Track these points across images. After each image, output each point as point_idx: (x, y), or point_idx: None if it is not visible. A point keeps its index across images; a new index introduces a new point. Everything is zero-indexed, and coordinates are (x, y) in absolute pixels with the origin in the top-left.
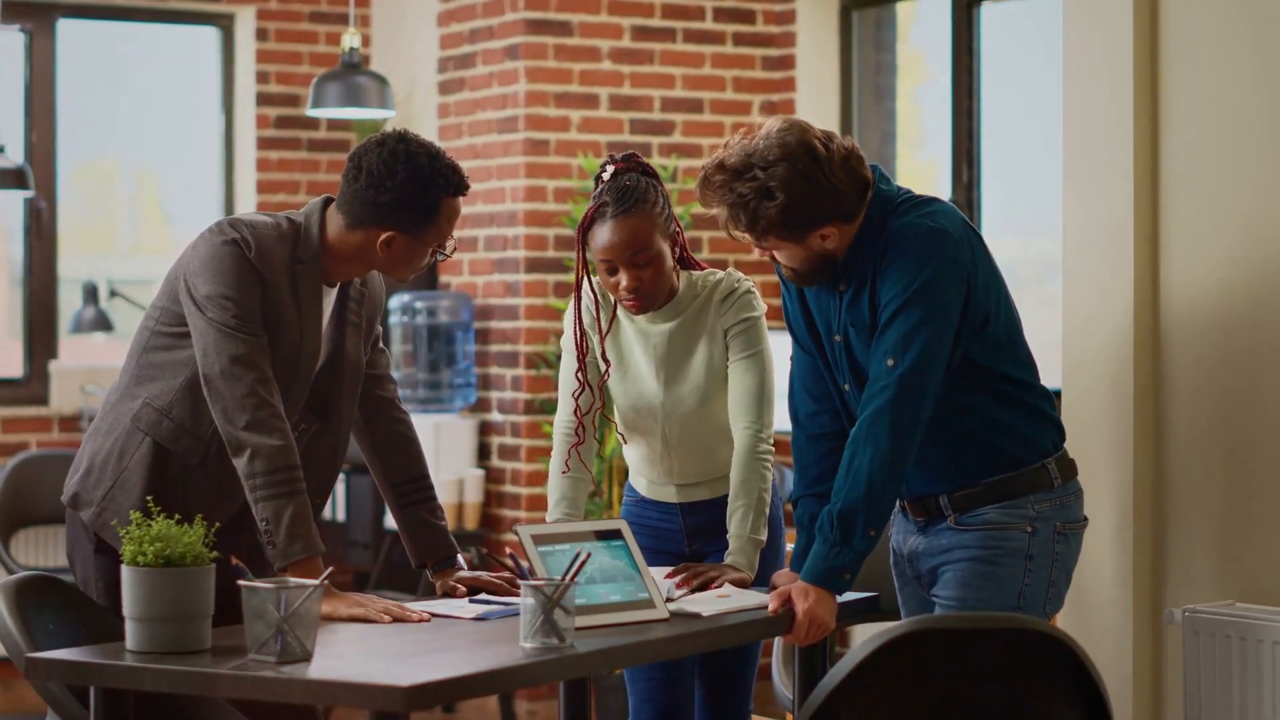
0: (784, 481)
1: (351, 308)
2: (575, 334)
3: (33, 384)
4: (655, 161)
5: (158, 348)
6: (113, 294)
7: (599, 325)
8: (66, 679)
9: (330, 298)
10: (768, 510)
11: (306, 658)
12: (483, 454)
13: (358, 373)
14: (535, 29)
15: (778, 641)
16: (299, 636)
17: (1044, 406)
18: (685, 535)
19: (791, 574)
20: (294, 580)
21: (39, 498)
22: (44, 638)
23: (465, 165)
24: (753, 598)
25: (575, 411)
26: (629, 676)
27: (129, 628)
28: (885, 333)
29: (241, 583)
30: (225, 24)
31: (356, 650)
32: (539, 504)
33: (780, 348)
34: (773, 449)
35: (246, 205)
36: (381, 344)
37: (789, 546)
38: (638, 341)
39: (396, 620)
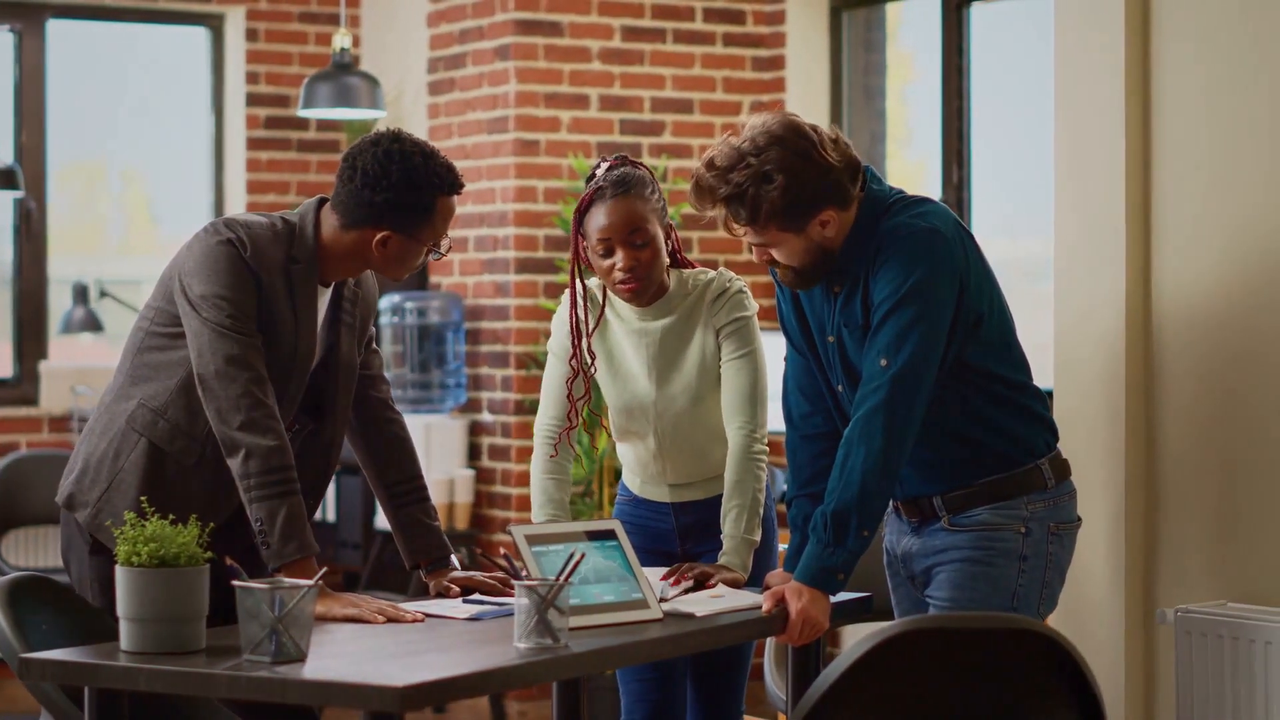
0: (775, 481)
1: (346, 308)
2: (573, 334)
3: (23, 385)
4: (646, 162)
5: (152, 348)
6: (102, 294)
7: (585, 326)
8: (61, 679)
9: (325, 298)
10: (762, 511)
11: (301, 658)
12: (473, 454)
13: (352, 373)
14: (525, 29)
15: (770, 641)
16: (293, 637)
17: (1037, 407)
18: (678, 535)
19: (785, 574)
20: (288, 580)
21: (30, 498)
22: (37, 638)
23: (455, 166)
24: (746, 598)
25: (570, 414)
26: (621, 676)
27: (123, 628)
28: (878, 333)
29: (236, 583)
30: (215, 24)
31: (351, 650)
32: (530, 504)
33: (774, 348)
34: (767, 449)
35: (236, 206)
36: (375, 344)
37: (781, 547)
38: (629, 341)
39: (390, 620)
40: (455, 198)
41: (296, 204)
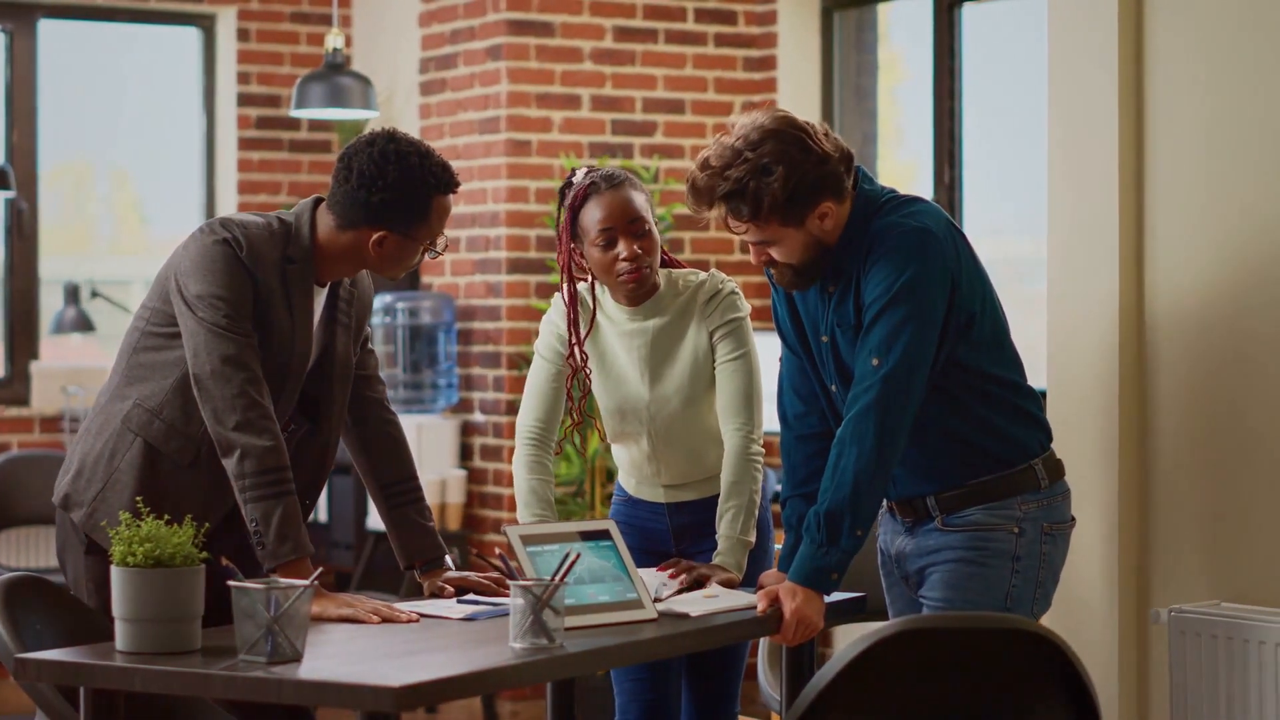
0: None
1: (341, 308)
2: (572, 333)
3: (14, 385)
4: (637, 162)
5: (148, 348)
6: (94, 294)
7: (577, 330)
8: (57, 679)
9: (320, 298)
10: (758, 512)
11: (297, 658)
12: (465, 454)
13: (348, 373)
14: (517, 30)
15: (764, 642)
16: (289, 637)
17: (1031, 407)
18: (672, 535)
19: (779, 574)
20: (284, 580)
21: (22, 498)
22: (31, 638)
23: (451, 165)
24: (741, 598)
25: (574, 412)
26: (616, 676)
27: (119, 628)
28: (869, 333)
29: (231, 583)
30: (206, 24)
31: (346, 651)
32: None
33: (767, 348)
34: (764, 450)
35: (227, 206)
36: (370, 344)
37: (776, 547)
38: (620, 343)
39: (385, 621)
40: (451, 196)
41: (288, 204)
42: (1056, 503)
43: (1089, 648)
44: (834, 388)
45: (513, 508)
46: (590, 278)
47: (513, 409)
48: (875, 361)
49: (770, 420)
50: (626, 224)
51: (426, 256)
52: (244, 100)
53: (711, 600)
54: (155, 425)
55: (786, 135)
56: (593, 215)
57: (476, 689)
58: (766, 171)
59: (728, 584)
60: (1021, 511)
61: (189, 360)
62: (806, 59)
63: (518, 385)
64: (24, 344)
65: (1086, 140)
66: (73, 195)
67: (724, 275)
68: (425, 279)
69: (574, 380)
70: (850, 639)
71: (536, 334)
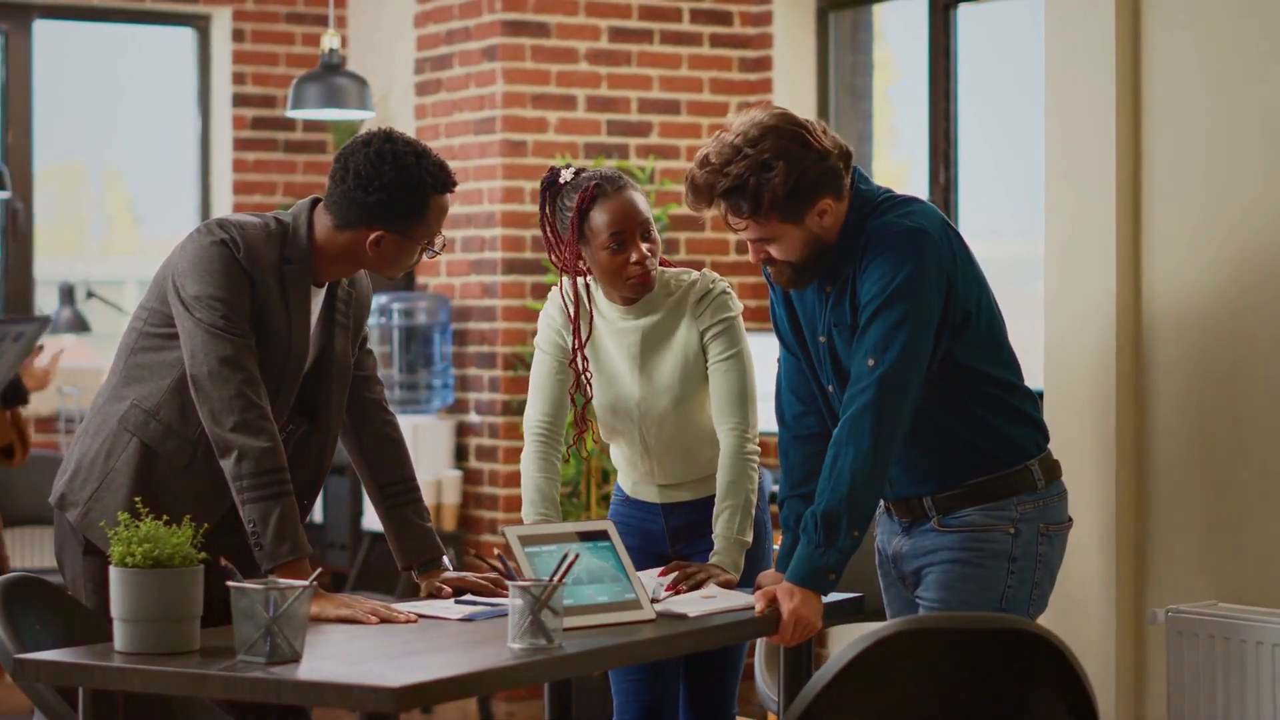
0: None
1: (339, 308)
2: (574, 334)
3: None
4: (633, 163)
5: (145, 349)
6: (89, 295)
7: (579, 334)
8: (56, 680)
9: (318, 298)
10: (754, 512)
11: (296, 659)
12: (460, 455)
13: (346, 374)
14: (512, 30)
15: (761, 642)
16: (288, 637)
17: (1027, 408)
18: (668, 536)
19: (777, 575)
20: (283, 581)
21: (19, 499)
22: (30, 639)
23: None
24: (739, 598)
25: (578, 417)
26: (613, 676)
27: (117, 628)
28: (865, 333)
29: (230, 584)
30: (201, 25)
31: (345, 651)
32: (517, 505)
33: (762, 349)
34: (759, 449)
35: (223, 206)
36: (369, 345)
37: (776, 548)
38: (612, 341)
39: (384, 621)
40: (448, 196)
41: (283, 205)
42: (1053, 503)
43: (1086, 648)
44: (831, 388)
45: (508, 508)
46: (585, 276)
47: (508, 409)
48: (871, 362)
49: (767, 420)
50: (636, 226)
51: (425, 256)
52: (239, 101)
53: (709, 601)
54: (152, 426)
55: (786, 131)
56: (606, 215)
57: (476, 689)
58: (767, 167)
59: (725, 585)
60: (1018, 512)
61: (186, 361)
62: (802, 59)
63: (513, 386)
64: None
65: (1084, 140)
66: (67, 196)
67: (716, 275)
68: (420, 279)
69: (577, 386)
70: (845, 639)
71: (532, 335)
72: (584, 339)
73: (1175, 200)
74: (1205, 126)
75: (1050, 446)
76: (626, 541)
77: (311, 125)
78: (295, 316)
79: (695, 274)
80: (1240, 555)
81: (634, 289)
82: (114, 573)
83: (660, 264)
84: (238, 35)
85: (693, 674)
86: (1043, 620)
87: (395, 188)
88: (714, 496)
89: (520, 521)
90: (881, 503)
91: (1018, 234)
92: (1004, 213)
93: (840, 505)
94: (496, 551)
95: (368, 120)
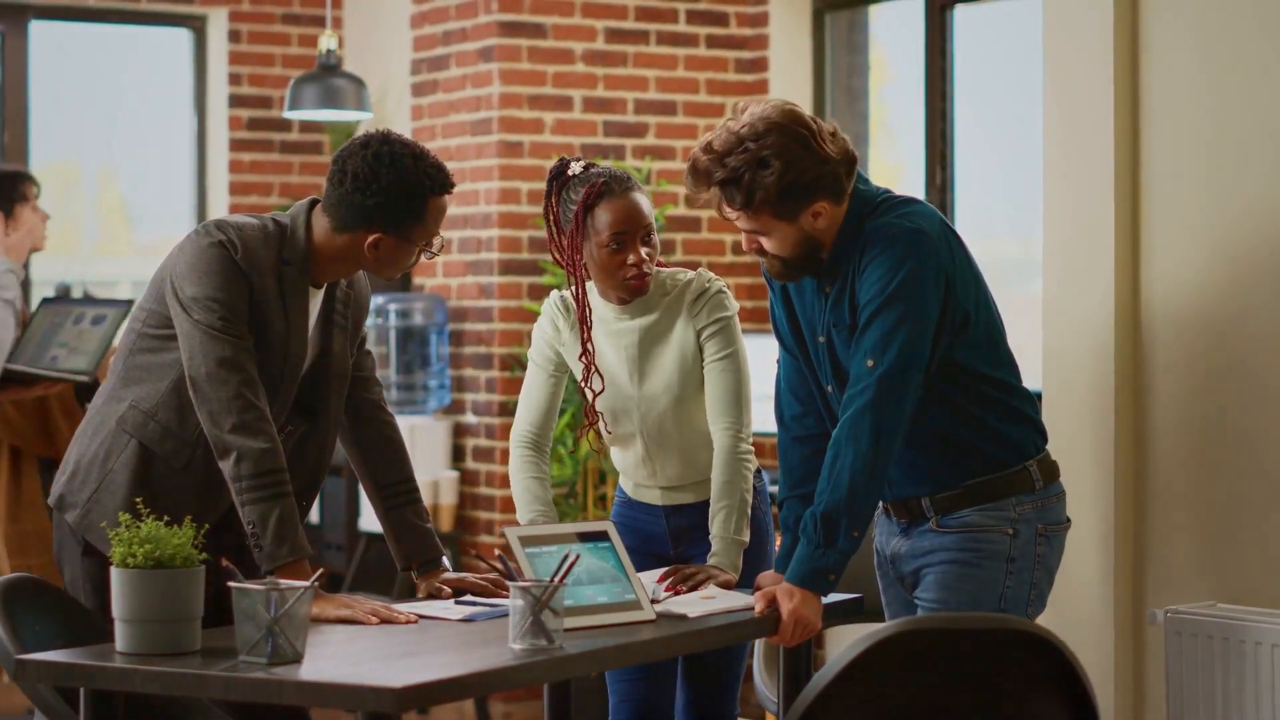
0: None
1: (338, 309)
2: (581, 330)
3: None
4: (629, 163)
5: (144, 350)
6: (85, 296)
7: (587, 327)
8: (57, 681)
9: (317, 299)
10: (750, 511)
11: (297, 659)
12: (457, 456)
13: (344, 374)
14: (509, 31)
15: (760, 642)
16: (289, 638)
17: (1025, 408)
18: (669, 537)
19: (776, 575)
20: (284, 582)
21: None
22: (31, 639)
23: (446, 165)
24: (739, 599)
25: (586, 411)
26: (609, 677)
27: (119, 629)
28: (864, 333)
29: (232, 584)
30: (197, 26)
31: (346, 652)
32: (513, 506)
33: (759, 349)
34: (753, 449)
35: (219, 207)
36: (367, 346)
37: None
38: (609, 341)
39: (384, 622)
40: (446, 197)
41: (279, 206)
42: (1051, 504)
43: (1085, 649)
44: (830, 388)
45: (505, 509)
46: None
47: (505, 410)
48: (870, 363)
49: (765, 421)
50: (639, 229)
51: (423, 258)
52: (235, 102)
53: (709, 601)
54: (150, 427)
55: (790, 131)
56: (610, 215)
57: (477, 690)
58: (764, 164)
59: (724, 585)
60: (1016, 513)
61: (184, 363)
62: (798, 60)
63: (510, 387)
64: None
65: (1083, 140)
66: (62, 196)
67: (712, 274)
68: (417, 280)
69: (588, 378)
70: (843, 640)
71: (528, 336)
72: (586, 333)
73: (1174, 200)
74: (1204, 126)
75: (1049, 447)
76: (627, 543)
77: (308, 126)
78: (293, 318)
79: (691, 273)
80: (1239, 555)
81: (628, 291)
82: (115, 573)
83: (655, 264)
84: (234, 36)
85: (693, 675)
86: (1041, 621)
87: (393, 190)
88: None
89: (516, 522)
90: (880, 503)
91: (1013, 235)
92: (999, 214)
93: (840, 506)
94: (497, 552)
95: (364, 121)
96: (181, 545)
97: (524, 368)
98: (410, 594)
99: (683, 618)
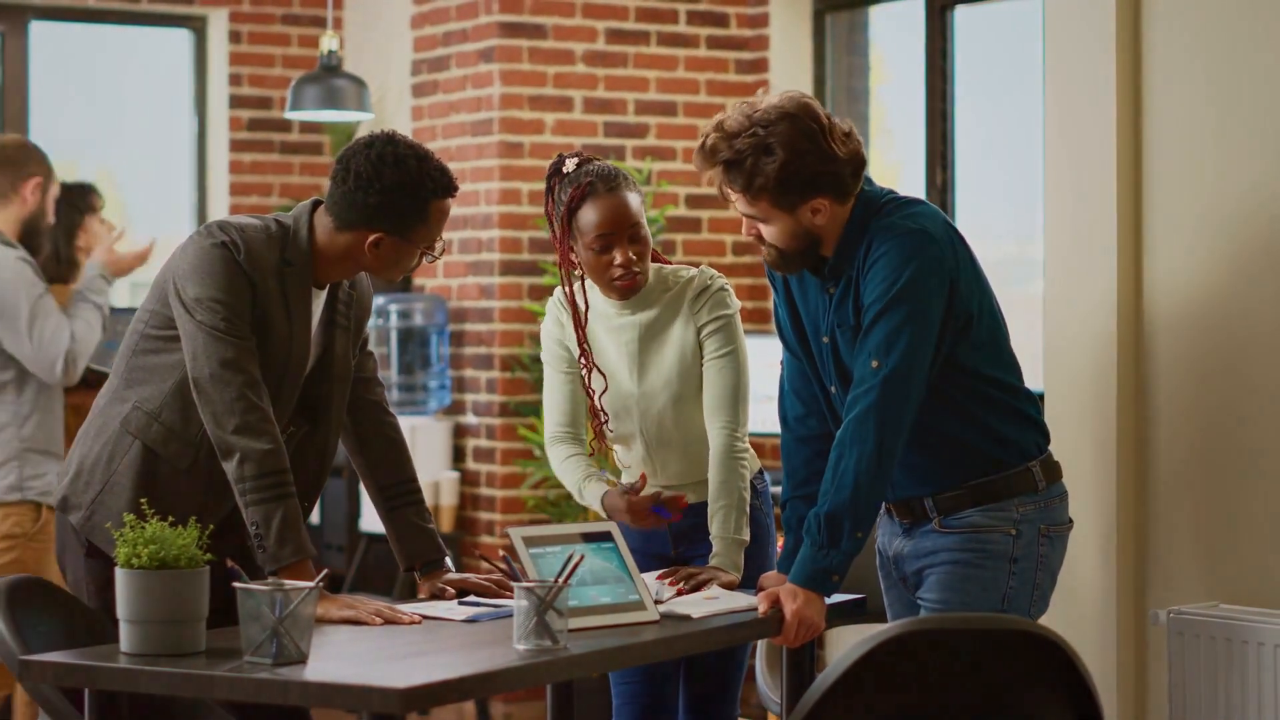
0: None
1: (340, 310)
2: (578, 332)
3: None
4: (629, 164)
5: (147, 351)
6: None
7: (581, 328)
8: (62, 681)
9: (319, 300)
10: (749, 510)
11: (302, 660)
12: (457, 457)
13: (347, 375)
14: (509, 32)
15: (762, 643)
16: (294, 639)
17: (1028, 409)
18: (670, 537)
19: (779, 576)
20: (289, 582)
21: None
22: (35, 640)
23: (449, 168)
24: (742, 599)
25: (590, 409)
26: (613, 677)
27: (123, 630)
28: (869, 334)
29: (237, 585)
30: (198, 26)
31: (350, 652)
32: (513, 506)
33: (759, 350)
34: (749, 447)
35: (219, 208)
36: (369, 347)
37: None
38: (609, 337)
39: (388, 622)
40: (450, 201)
41: (279, 206)
42: (1054, 505)
43: (1088, 649)
44: (833, 389)
45: (505, 509)
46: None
47: (506, 411)
48: (875, 364)
49: (766, 421)
50: (624, 230)
51: (424, 260)
52: (235, 102)
53: (712, 602)
54: (154, 428)
55: (801, 123)
56: (593, 216)
57: (481, 690)
58: (768, 152)
59: (727, 585)
60: (1019, 513)
61: (188, 364)
62: (798, 61)
63: (510, 387)
64: None
65: (1084, 140)
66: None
67: (715, 272)
68: (418, 281)
69: (589, 378)
70: (846, 641)
71: (529, 336)
72: (582, 339)
73: (1175, 200)
74: (1205, 127)
75: (1051, 448)
76: (628, 543)
77: (308, 127)
78: (296, 318)
79: (693, 270)
80: (1241, 556)
81: (617, 291)
82: (120, 574)
83: (655, 260)
84: (234, 37)
85: (695, 675)
86: (1043, 621)
87: (395, 190)
88: None
89: (516, 524)
90: (882, 504)
91: (1013, 236)
92: (999, 214)
93: (843, 507)
94: (501, 553)
95: (365, 122)
96: (186, 546)
97: (525, 368)
98: (411, 594)
99: (686, 618)
